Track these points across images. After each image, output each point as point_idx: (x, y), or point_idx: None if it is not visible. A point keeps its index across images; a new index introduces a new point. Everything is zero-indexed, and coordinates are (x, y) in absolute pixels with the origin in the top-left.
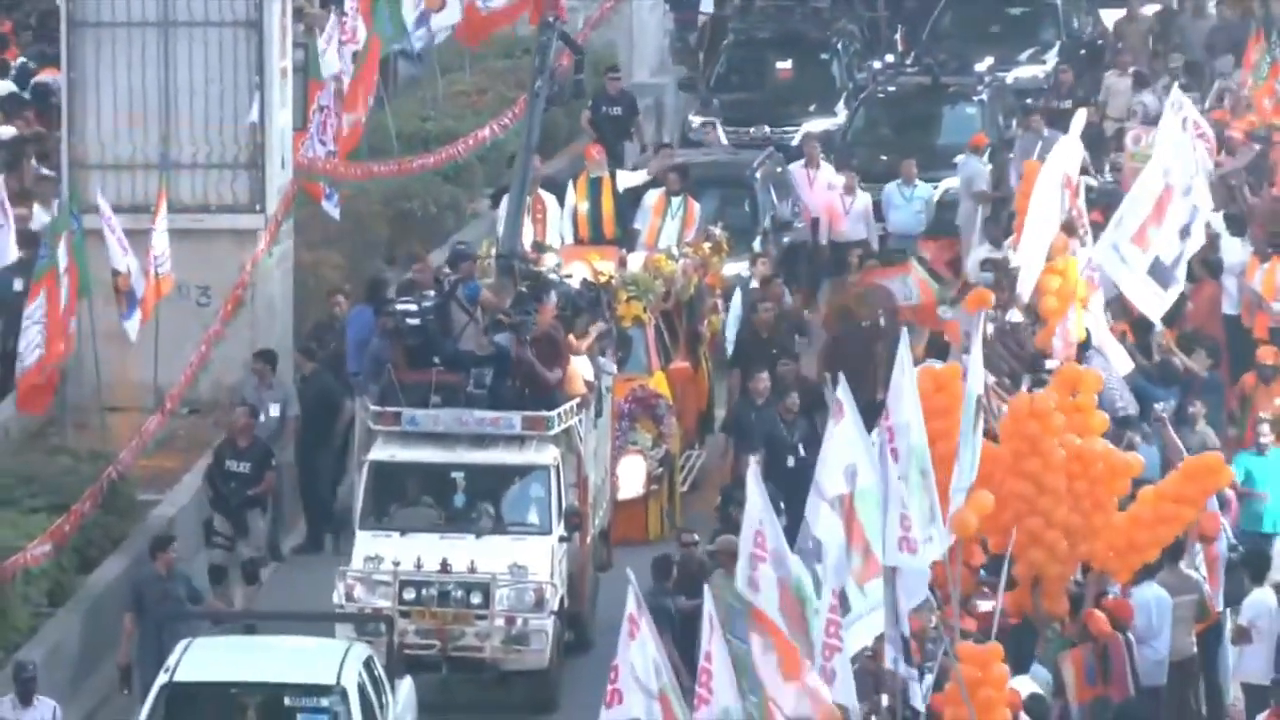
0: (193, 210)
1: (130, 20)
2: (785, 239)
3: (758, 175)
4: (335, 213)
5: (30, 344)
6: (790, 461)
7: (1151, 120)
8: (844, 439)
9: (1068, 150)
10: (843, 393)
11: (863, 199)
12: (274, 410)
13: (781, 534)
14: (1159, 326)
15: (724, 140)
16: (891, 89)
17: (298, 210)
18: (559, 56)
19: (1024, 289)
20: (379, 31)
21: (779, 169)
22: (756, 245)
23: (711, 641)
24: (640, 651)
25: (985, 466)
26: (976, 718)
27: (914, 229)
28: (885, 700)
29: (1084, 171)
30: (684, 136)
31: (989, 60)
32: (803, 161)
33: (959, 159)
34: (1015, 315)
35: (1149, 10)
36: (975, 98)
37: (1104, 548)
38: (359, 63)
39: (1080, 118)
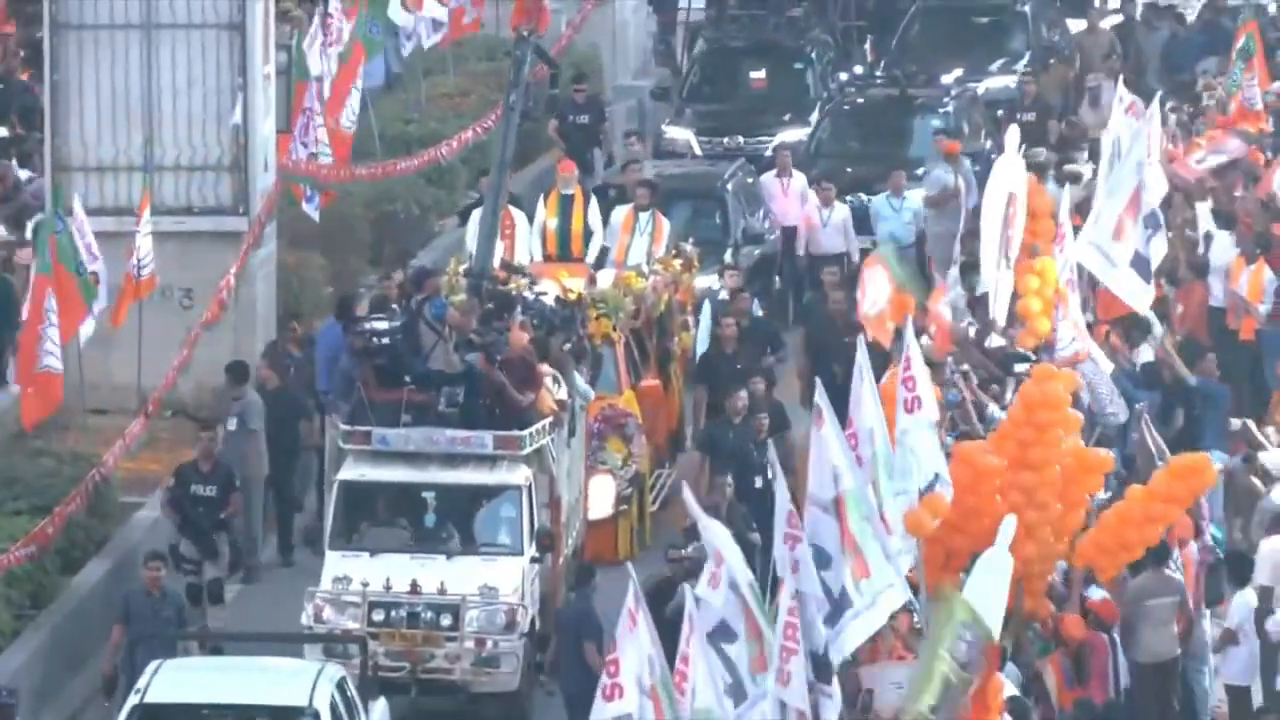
0: (176, 212)
1: (113, 22)
2: (756, 251)
3: (729, 187)
4: (315, 215)
5: (46, 351)
6: (758, 482)
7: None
8: (827, 444)
9: (1008, 169)
10: (820, 398)
11: (840, 211)
12: (231, 424)
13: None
14: (1159, 329)
15: (697, 150)
16: (858, 100)
17: (281, 212)
18: (534, 70)
19: (997, 311)
20: (363, 38)
21: (750, 180)
22: (728, 258)
23: (689, 643)
24: (636, 647)
25: (967, 466)
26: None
27: (903, 240)
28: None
29: (1071, 179)
30: (657, 146)
31: (957, 72)
32: (774, 171)
33: (921, 170)
34: (994, 340)
35: (1108, 24)
36: (942, 110)
37: (1090, 546)
38: (341, 64)
39: (1014, 134)
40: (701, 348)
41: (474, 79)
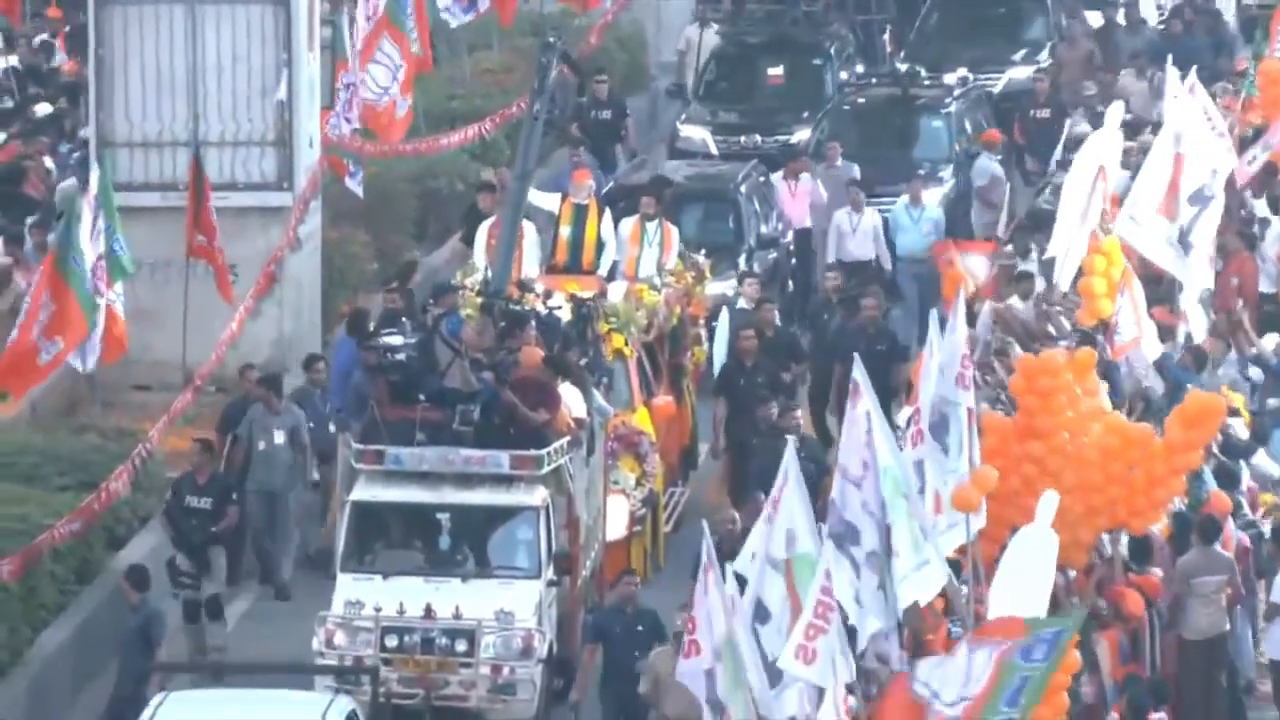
0: (220, 188)
1: None
2: (771, 256)
3: (742, 189)
4: (359, 190)
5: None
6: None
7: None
8: (860, 421)
9: (1104, 142)
10: (859, 373)
11: (871, 217)
12: (279, 438)
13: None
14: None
15: (713, 149)
16: (859, 101)
17: (325, 188)
18: (559, 74)
19: (1063, 278)
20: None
21: (761, 179)
22: (741, 263)
23: (708, 582)
24: (710, 606)
25: (992, 439)
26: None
27: (923, 251)
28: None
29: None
30: (672, 146)
31: (961, 71)
32: (782, 172)
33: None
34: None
35: (1088, 31)
36: (943, 110)
37: (1124, 510)
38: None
39: (1117, 109)
40: (719, 359)
41: (519, 54)
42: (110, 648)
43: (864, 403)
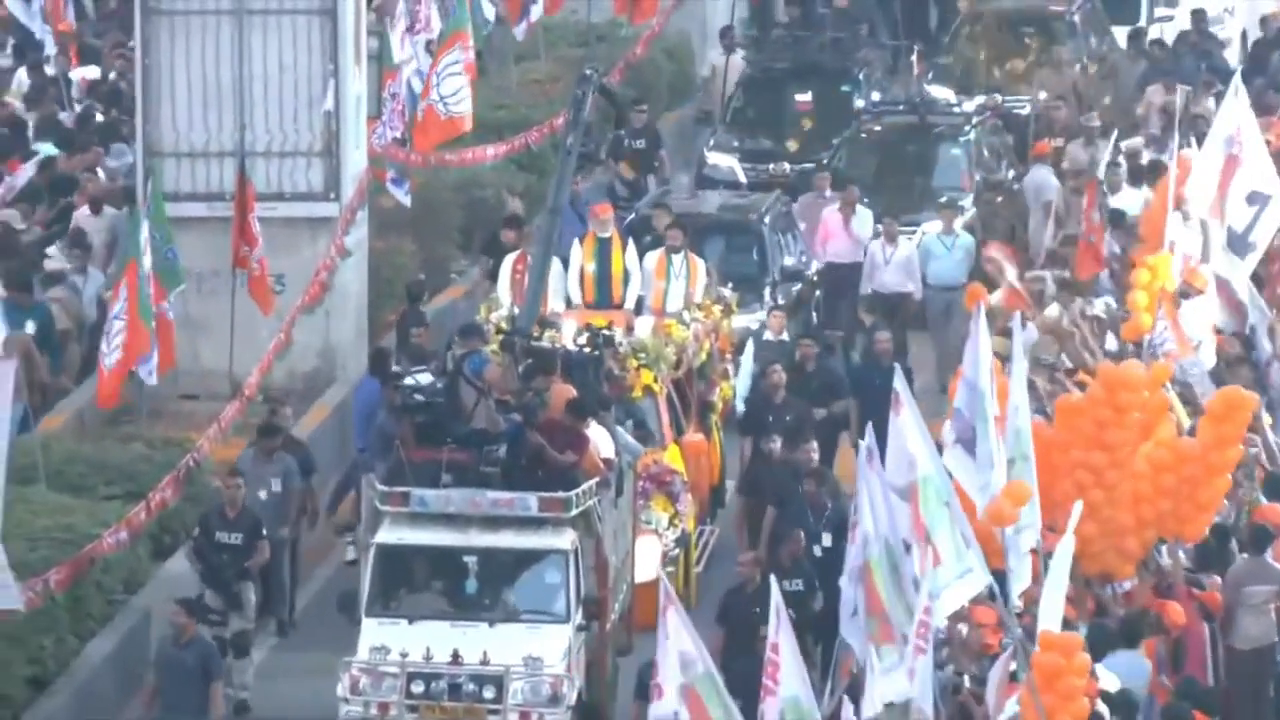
0: (267, 198)
1: (205, 9)
2: (795, 289)
3: (766, 220)
4: (406, 200)
5: (112, 344)
6: (816, 551)
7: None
8: (904, 430)
9: (1234, 110)
10: (900, 383)
11: (905, 247)
12: (275, 485)
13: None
14: None
15: (741, 178)
16: (875, 129)
17: (371, 198)
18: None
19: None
20: (458, 24)
21: (784, 209)
22: (766, 296)
23: (779, 633)
24: (669, 646)
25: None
26: (1053, 708)
27: (957, 280)
28: None
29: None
30: (699, 173)
31: (979, 99)
32: (812, 195)
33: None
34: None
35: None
36: (961, 138)
37: (1171, 520)
38: (438, 45)
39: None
40: (742, 392)
41: (565, 64)
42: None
43: (906, 412)
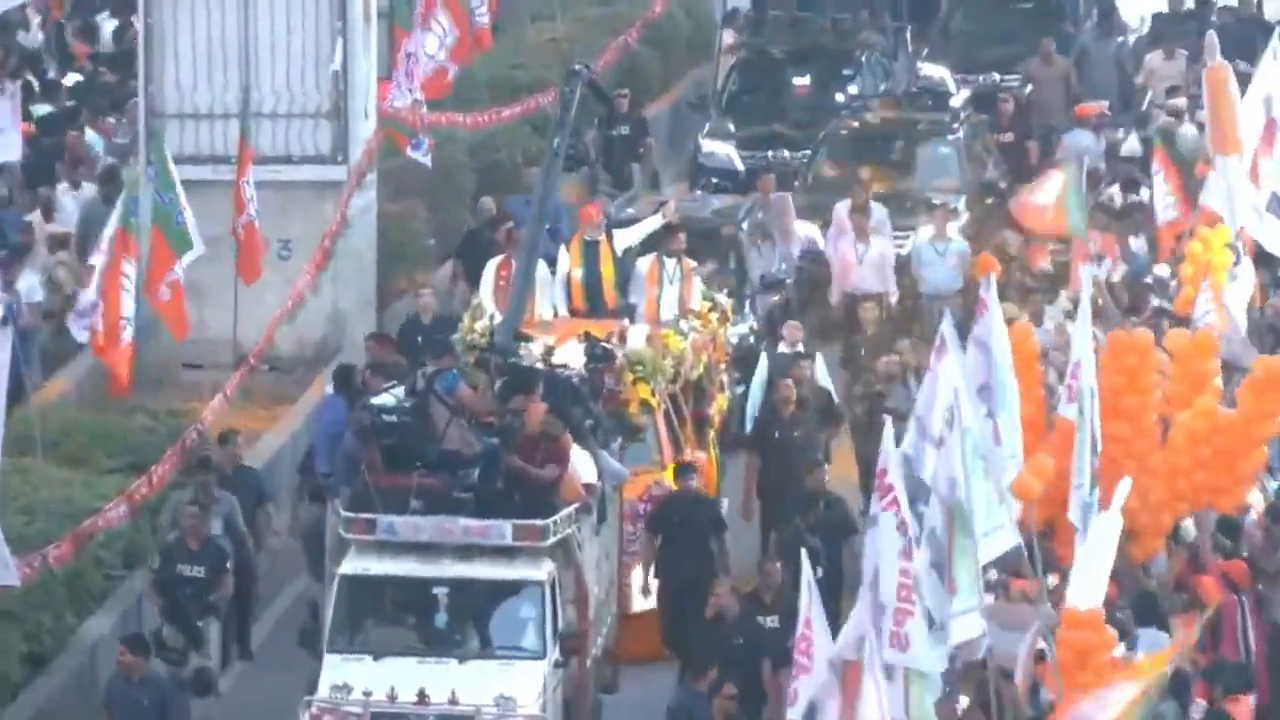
0: (273, 161)
1: None
2: (773, 299)
3: (744, 226)
4: (426, 161)
5: (88, 299)
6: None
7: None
8: (945, 378)
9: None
10: (947, 327)
11: (878, 246)
12: (216, 528)
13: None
14: None
15: (739, 165)
16: (854, 125)
17: (382, 161)
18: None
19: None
20: None
21: (760, 214)
22: (746, 306)
23: (811, 608)
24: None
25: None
26: (1088, 685)
27: (950, 286)
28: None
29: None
30: (695, 162)
31: (964, 93)
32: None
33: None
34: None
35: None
36: (950, 136)
37: (1206, 491)
38: None
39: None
40: (753, 409)
41: (582, 25)
42: None
43: (950, 359)
